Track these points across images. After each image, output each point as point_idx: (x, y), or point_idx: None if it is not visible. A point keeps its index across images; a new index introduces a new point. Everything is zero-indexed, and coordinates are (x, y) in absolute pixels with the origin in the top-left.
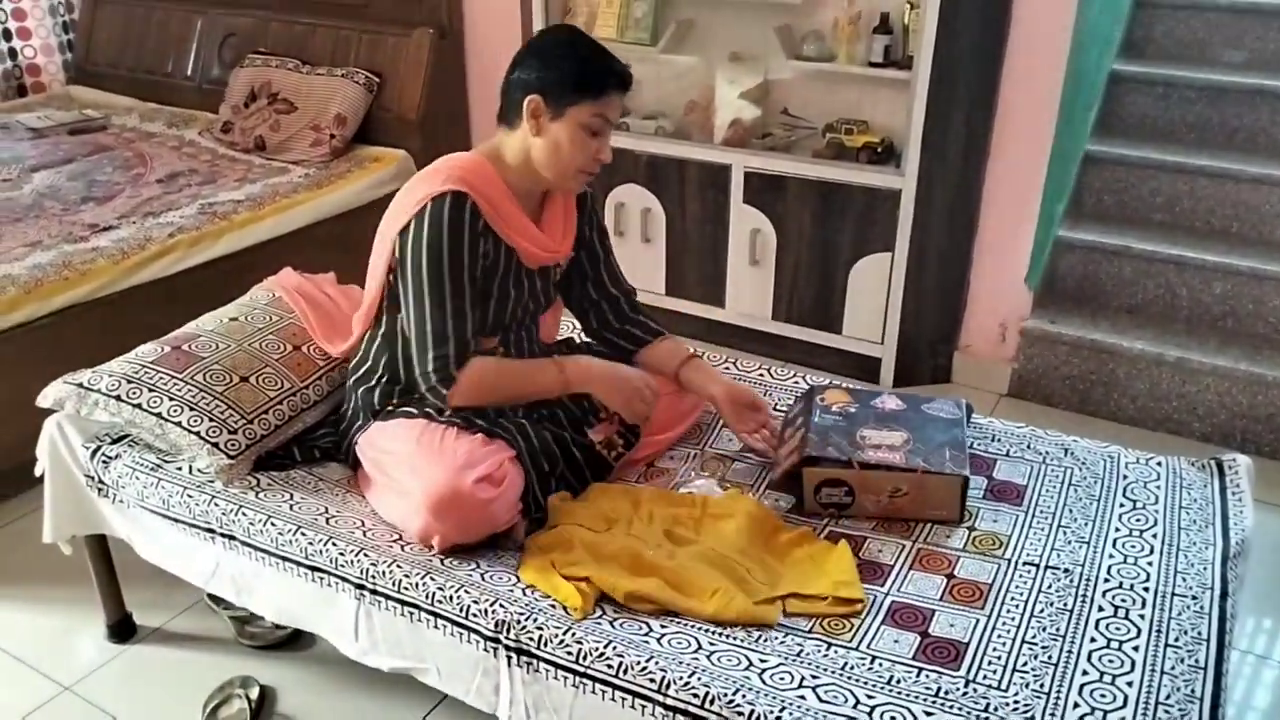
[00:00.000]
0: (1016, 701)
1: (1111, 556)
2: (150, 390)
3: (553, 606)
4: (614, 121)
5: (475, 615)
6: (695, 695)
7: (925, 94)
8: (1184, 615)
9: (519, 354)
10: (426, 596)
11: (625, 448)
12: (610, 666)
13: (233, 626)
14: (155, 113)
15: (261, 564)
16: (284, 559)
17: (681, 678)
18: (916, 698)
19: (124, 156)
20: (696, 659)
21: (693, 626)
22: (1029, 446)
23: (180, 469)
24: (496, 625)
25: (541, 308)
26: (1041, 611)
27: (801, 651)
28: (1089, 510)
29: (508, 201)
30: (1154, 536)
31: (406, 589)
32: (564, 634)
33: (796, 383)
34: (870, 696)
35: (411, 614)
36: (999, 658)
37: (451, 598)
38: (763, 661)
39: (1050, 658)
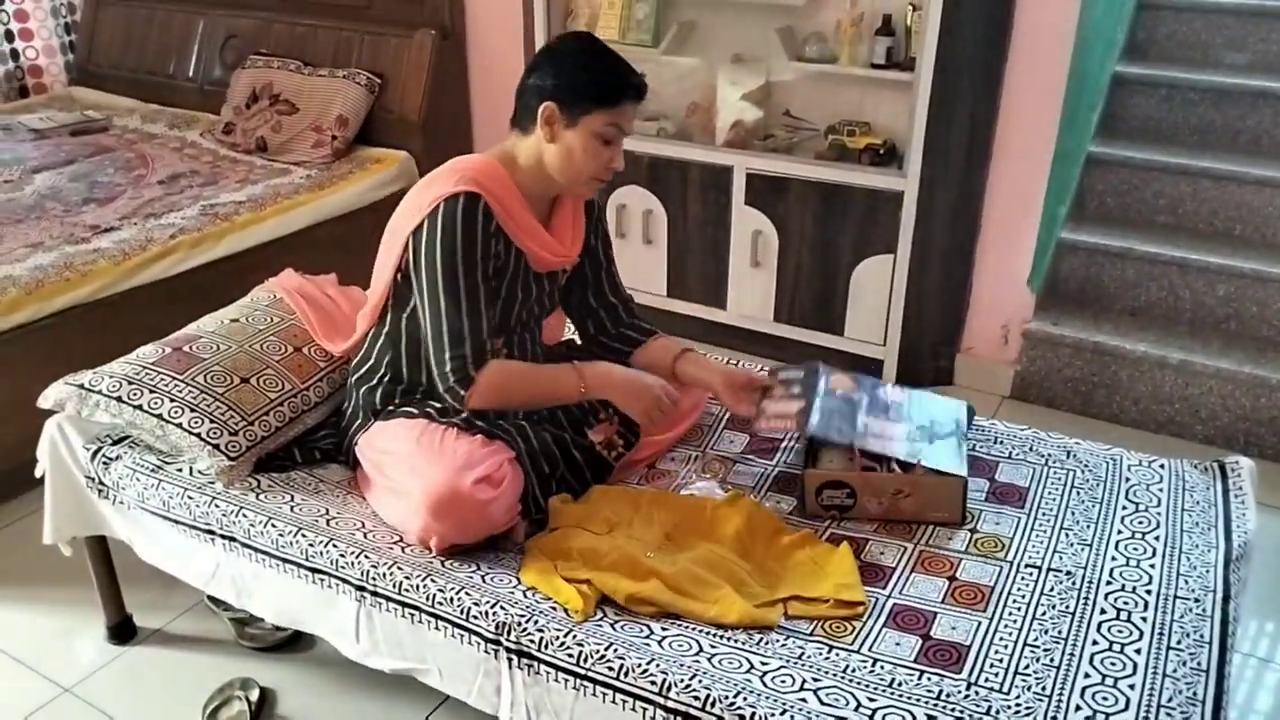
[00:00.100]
0: (1018, 704)
1: (1114, 559)
2: (151, 392)
3: (554, 608)
4: (628, 131)
5: (476, 617)
6: (696, 698)
7: (927, 96)
8: (1186, 618)
9: (522, 356)
10: (427, 598)
11: (625, 448)
12: (611, 669)
13: (233, 628)
14: (157, 114)
15: (262, 565)
16: (284, 560)
17: (683, 680)
18: (918, 700)
19: (125, 158)
20: (698, 661)
21: (694, 629)
22: (1031, 449)
23: (181, 470)
24: (497, 627)
25: (546, 311)
26: (1043, 614)
27: (803, 654)
28: (1091, 513)
29: (519, 205)
30: (1156, 539)
31: (407, 591)
32: (565, 636)
33: None
34: (872, 699)
35: (412, 616)
36: (1001, 660)
37: (452, 599)
38: (764, 664)
39: (1052, 660)
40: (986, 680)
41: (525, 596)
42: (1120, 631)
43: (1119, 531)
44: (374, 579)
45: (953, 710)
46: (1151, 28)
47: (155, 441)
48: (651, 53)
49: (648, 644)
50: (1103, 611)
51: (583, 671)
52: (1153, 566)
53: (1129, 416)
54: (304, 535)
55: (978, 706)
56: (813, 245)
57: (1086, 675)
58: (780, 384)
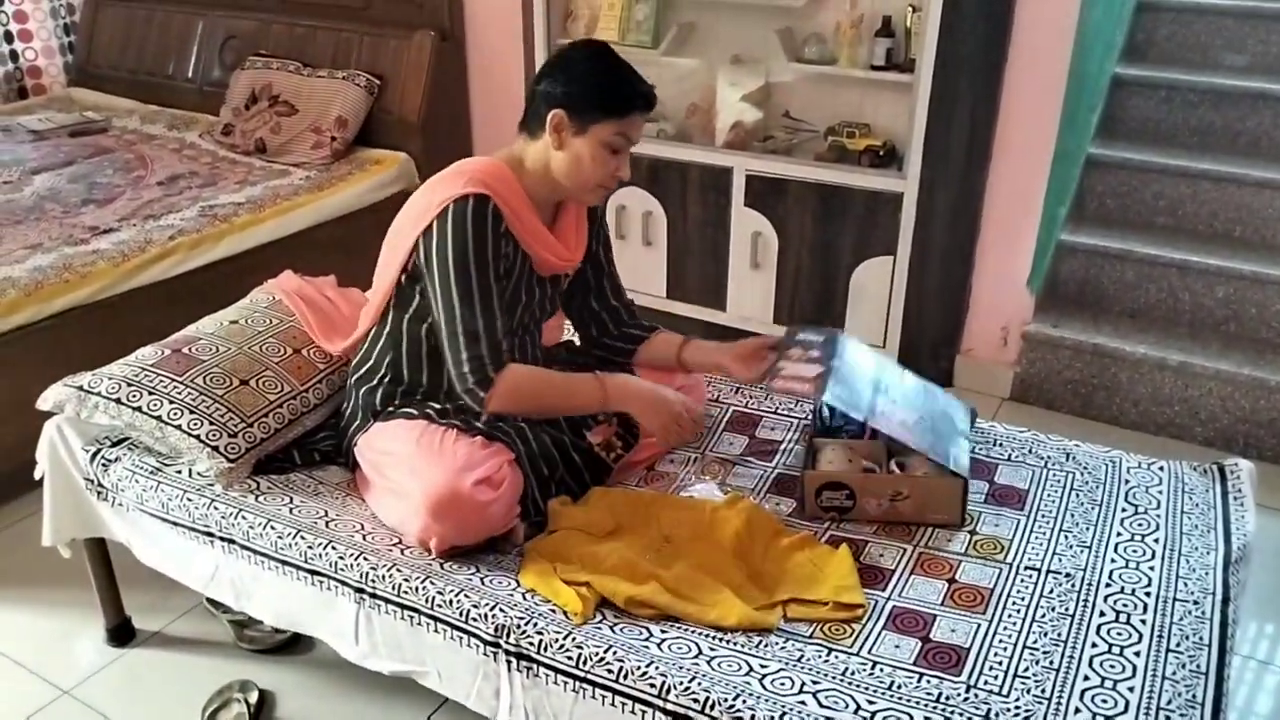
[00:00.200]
0: (1018, 707)
1: (1113, 561)
2: (150, 393)
3: (553, 611)
4: (636, 141)
5: (475, 619)
6: (695, 700)
7: (927, 97)
8: (1185, 620)
9: (523, 359)
10: (426, 600)
11: (624, 450)
12: (610, 671)
13: (232, 630)
14: (156, 115)
15: (261, 568)
16: (283, 563)
17: (682, 683)
18: (918, 703)
19: (124, 159)
20: (697, 664)
21: (693, 631)
22: (1030, 451)
23: (180, 472)
24: (496, 629)
25: (547, 315)
26: (1043, 616)
27: (802, 657)
28: (1090, 515)
29: (526, 208)
30: (1156, 541)
31: (406, 593)
32: (564, 638)
33: None
34: (871, 702)
35: (411, 618)
36: (1000, 663)
37: (451, 602)
38: (763, 667)
39: (1052, 663)
40: (986, 683)
41: (524, 599)
42: (1119, 634)
43: (1118, 534)
44: (373, 581)
45: (952, 713)
46: (1151, 29)
47: (154, 443)
48: (651, 54)
49: (647, 646)
50: (1102, 614)
51: (582, 674)
52: (1152, 569)
53: (1128, 418)
54: (303, 537)
55: (977, 709)
56: (812, 247)
57: (1086, 678)
58: (798, 345)
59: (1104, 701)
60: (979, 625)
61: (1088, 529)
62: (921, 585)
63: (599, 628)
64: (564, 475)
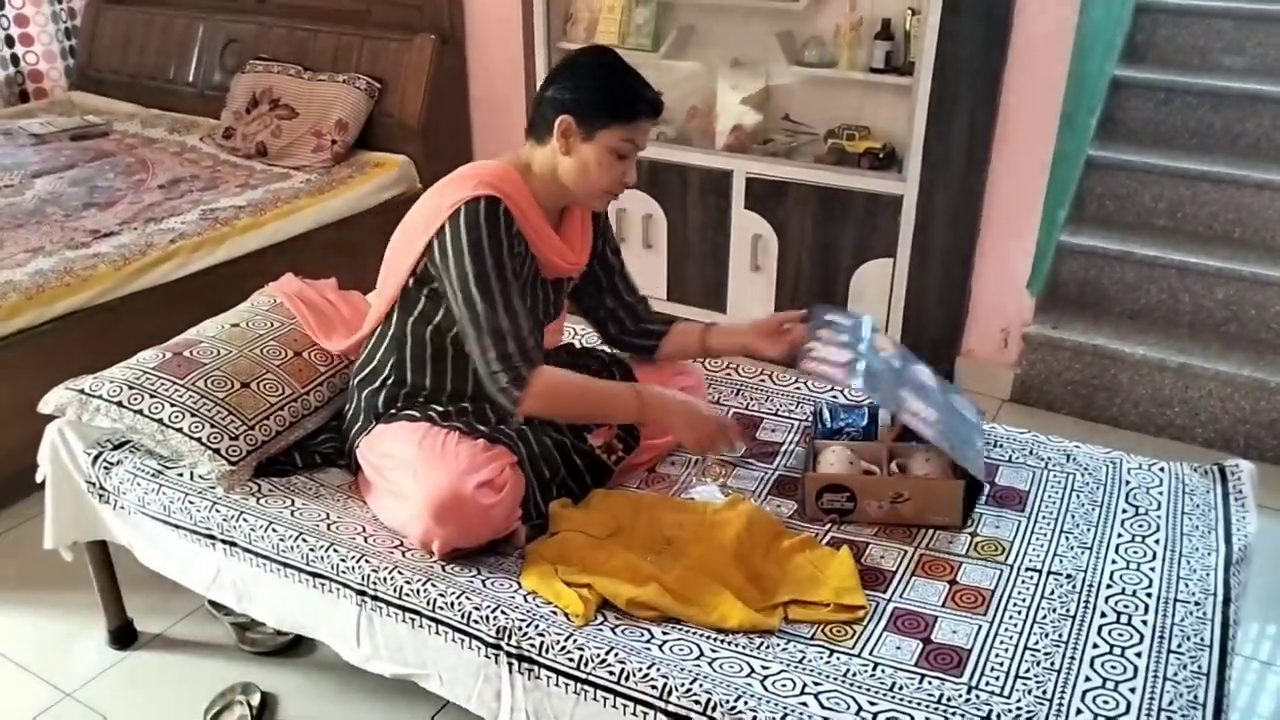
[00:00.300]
0: (1019, 708)
1: (1114, 562)
2: (151, 396)
3: (554, 613)
4: (642, 146)
5: (477, 621)
6: (697, 702)
7: (927, 99)
8: (1187, 621)
9: None
10: (428, 603)
11: (625, 452)
12: (612, 673)
13: (234, 633)
14: (157, 119)
15: (263, 570)
16: (285, 565)
17: (683, 684)
18: (919, 704)
19: (126, 162)
20: (698, 665)
21: (694, 633)
22: (1031, 452)
23: (181, 475)
24: (498, 631)
25: (550, 318)
26: (1044, 618)
27: (803, 658)
28: (1091, 516)
29: (534, 211)
30: (1156, 542)
31: (408, 595)
32: (565, 640)
33: (798, 388)
34: (873, 703)
35: (413, 620)
36: (1001, 664)
37: (453, 604)
38: (764, 668)
39: (1053, 664)
40: (987, 684)
41: (526, 601)
42: (1121, 635)
43: (1119, 535)
44: (375, 583)
45: (953, 714)
46: (1150, 31)
47: (156, 446)
48: (651, 57)
49: (648, 648)
50: (1103, 615)
51: (583, 676)
52: (1153, 570)
53: (1129, 419)
54: (305, 540)
55: (978, 710)
56: (812, 249)
57: (1087, 679)
58: (828, 326)
59: (1105, 702)
60: (980, 626)
61: (1088, 530)
62: (922, 587)
63: (600, 629)
64: (565, 478)
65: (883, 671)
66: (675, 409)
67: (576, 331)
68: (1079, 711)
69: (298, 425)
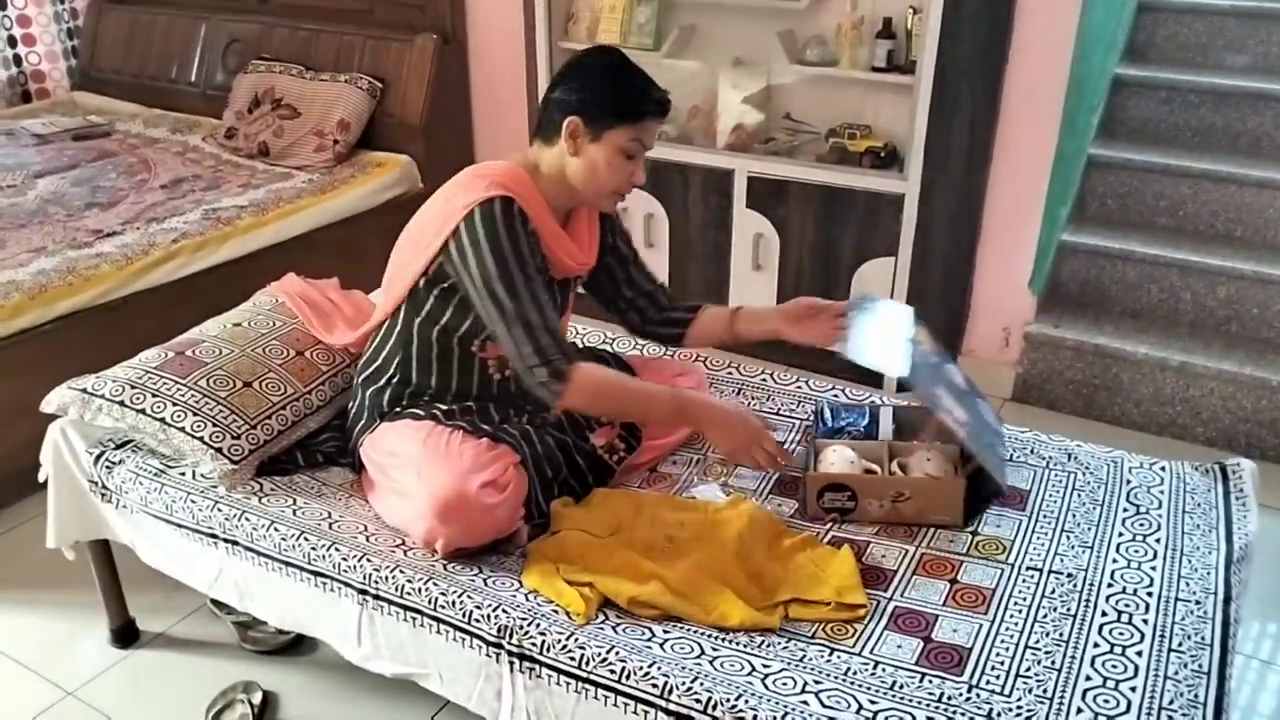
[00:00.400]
0: (1020, 707)
1: (1115, 561)
2: (154, 396)
3: (555, 611)
4: (650, 146)
5: (478, 620)
6: (698, 701)
7: (928, 98)
8: (1187, 620)
9: None
10: (429, 602)
11: (627, 452)
12: (613, 672)
13: (235, 632)
14: (159, 119)
15: (264, 569)
16: (287, 564)
17: (684, 683)
18: (920, 703)
19: (128, 162)
20: (699, 664)
21: (695, 632)
22: (1032, 451)
23: (183, 474)
24: (499, 630)
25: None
26: (1045, 617)
27: (804, 657)
28: (1092, 515)
29: (544, 212)
30: (1157, 541)
31: (409, 594)
32: (566, 639)
33: (799, 388)
34: (873, 702)
35: (414, 619)
36: (1002, 663)
37: (454, 603)
38: (765, 667)
39: (1053, 663)
40: (988, 683)
41: (527, 600)
42: (1121, 634)
43: (1120, 534)
44: (376, 582)
45: (954, 713)
46: (1151, 30)
47: (158, 445)
48: (653, 56)
49: (649, 647)
50: (1104, 614)
51: (584, 675)
52: (1154, 569)
53: (1130, 419)
54: (306, 539)
55: (979, 709)
56: (814, 248)
57: (1088, 678)
58: (868, 310)
59: (1106, 701)
60: (981, 625)
61: (1089, 529)
62: (923, 586)
63: (601, 628)
64: (567, 477)
65: (883, 670)
66: (715, 416)
67: (578, 331)
68: (1079, 710)
69: (300, 424)
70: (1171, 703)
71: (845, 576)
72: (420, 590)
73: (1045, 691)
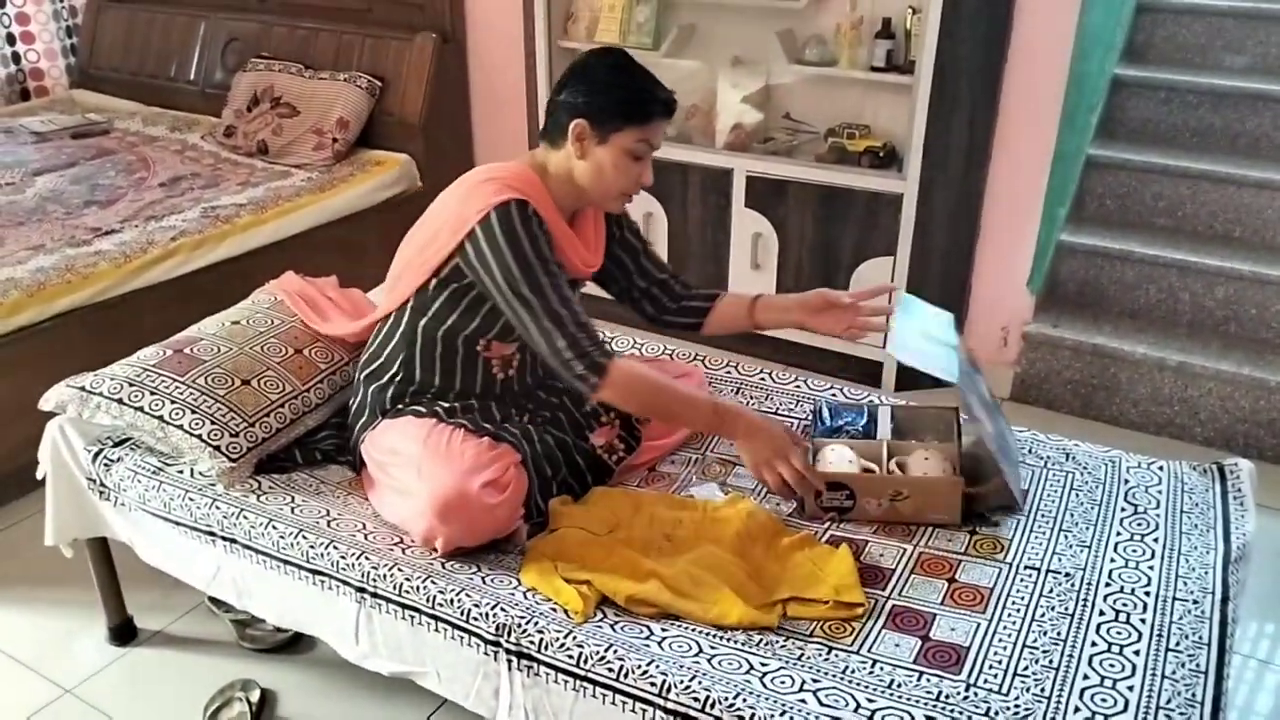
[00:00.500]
0: (1017, 705)
1: (1113, 561)
2: (152, 394)
3: (554, 610)
4: (657, 146)
5: (476, 619)
6: (696, 699)
7: (927, 98)
8: (1185, 620)
9: (535, 361)
10: (427, 600)
11: (626, 452)
12: (611, 670)
13: (234, 629)
14: (158, 117)
15: (263, 567)
16: (285, 562)
17: (682, 681)
18: (917, 701)
19: (126, 160)
20: (697, 663)
21: (694, 630)
22: (1030, 450)
23: (182, 472)
24: (497, 629)
25: None
26: (1043, 616)
27: (802, 655)
28: (1090, 514)
29: (554, 213)
30: (1155, 541)
31: (407, 592)
32: (565, 637)
33: (798, 387)
34: (871, 700)
35: (412, 617)
36: (1000, 662)
37: (452, 601)
38: (764, 665)
39: (1051, 662)
40: (985, 681)
41: (525, 598)
42: (1119, 633)
43: (1118, 533)
44: (374, 580)
45: (952, 711)
46: (1150, 30)
47: (156, 443)
48: (652, 55)
49: (647, 645)
50: (1101, 613)
51: (582, 673)
52: (1151, 568)
53: (1128, 418)
54: (305, 537)
55: (977, 708)
56: (812, 247)
57: (1085, 677)
58: (913, 316)
59: (1103, 700)
60: (979, 624)
61: (1087, 528)
62: (921, 585)
63: (599, 626)
64: (566, 476)
65: (881, 669)
66: (748, 426)
67: None
68: (1077, 709)
69: (298, 422)
70: (1169, 702)
71: (843, 575)
72: (418, 588)
73: (1043, 690)
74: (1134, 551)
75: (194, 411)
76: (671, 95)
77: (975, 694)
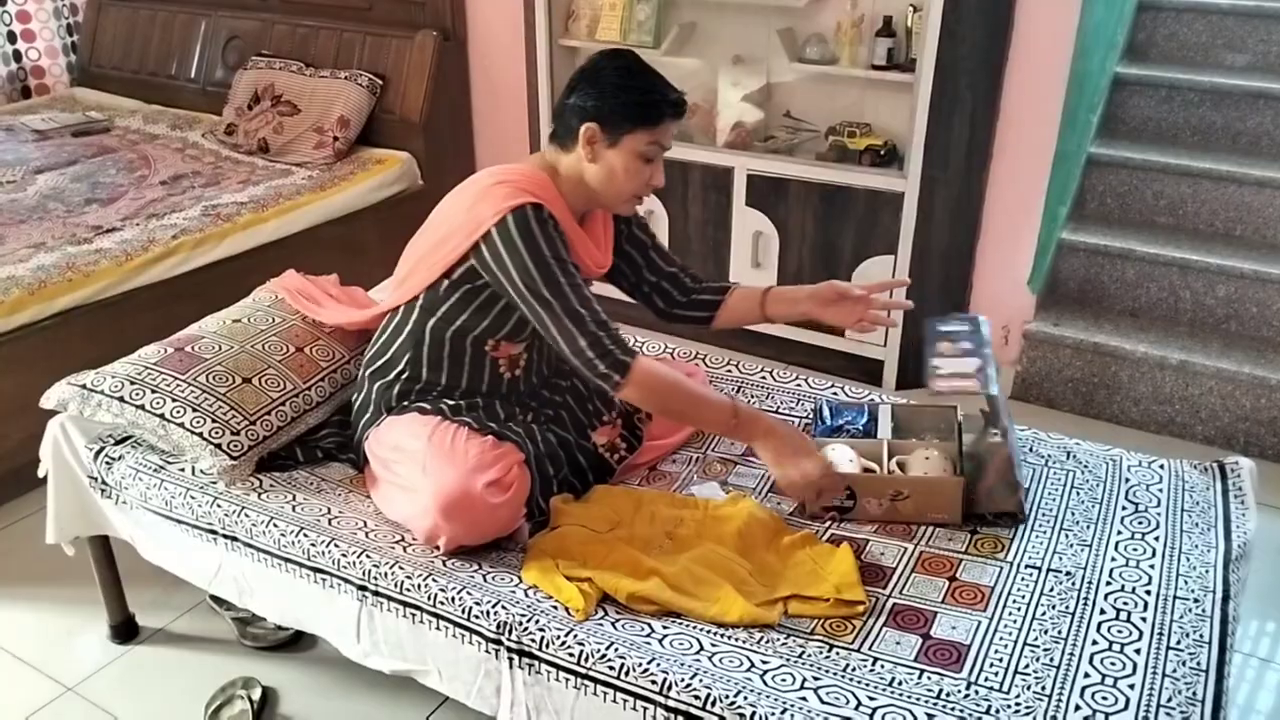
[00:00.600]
0: (1018, 703)
1: (1113, 559)
2: (153, 392)
3: (554, 608)
4: (668, 148)
5: (477, 617)
6: (697, 697)
7: (928, 97)
8: (1186, 618)
9: (541, 360)
10: (428, 598)
11: (628, 450)
12: (612, 668)
13: (235, 627)
14: (159, 115)
15: (264, 565)
16: (286, 560)
17: (683, 679)
18: (918, 699)
19: (127, 158)
20: (698, 660)
21: (694, 628)
22: (1031, 449)
23: (183, 470)
24: (498, 627)
25: None
26: (1043, 614)
27: (803, 653)
28: (1091, 513)
29: (566, 215)
30: (1156, 539)
31: (408, 590)
32: (566, 635)
33: (799, 385)
34: (872, 698)
35: (413, 615)
36: (1001, 660)
37: (454, 599)
38: (764, 663)
39: (1052, 660)
40: (986, 679)
41: (526, 596)
42: (1120, 631)
43: (1119, 532)
44: (375, 579)
45: (953, 709)
46: (1151, 29)
47: (157, 441)
48: (652, 54)
49: (648, 643)
50: (1102, 611)
51: (583, 671)
52: (1152, 567)
53: (1129, 417)
54: (306, 535)
55: (978, 705)
56: (813, 246)
57: (1086, 675)
58: (945, 337)
59: (1104, 698)
60: (980, 622)
61: (1088, 527)
62: (922, 583)
63: (600, 624)
64: (568, 475)
65: (882, 666)
66: (770, 437)
67: None
68: (1078, 707)
69: (299, 420)
70: (1170, 700)
71: (844, 574)
72: (419, 586)
73: (1044, 688)
74: (1135, 550)
75: (195, 409)
76: (682, 96)
77: (976, 692)
